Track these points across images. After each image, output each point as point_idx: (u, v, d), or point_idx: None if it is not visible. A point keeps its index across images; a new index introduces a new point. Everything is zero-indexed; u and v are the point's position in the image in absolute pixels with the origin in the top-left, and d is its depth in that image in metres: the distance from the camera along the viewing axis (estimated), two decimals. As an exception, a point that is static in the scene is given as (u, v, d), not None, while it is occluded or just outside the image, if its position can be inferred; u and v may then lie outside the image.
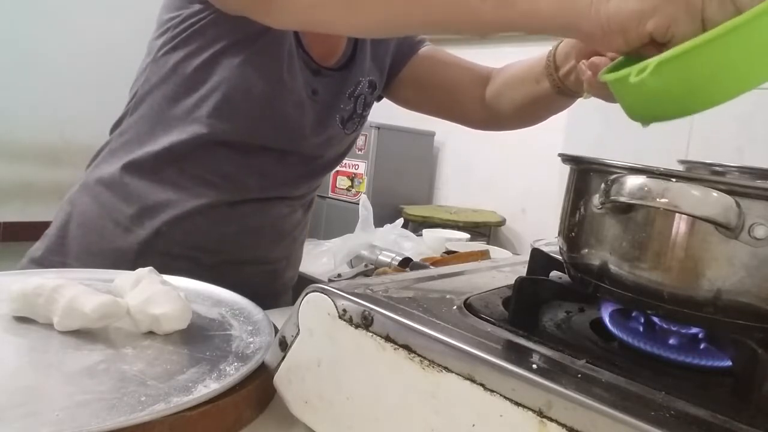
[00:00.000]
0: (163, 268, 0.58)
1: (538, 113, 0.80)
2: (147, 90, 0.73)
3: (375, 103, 0.90)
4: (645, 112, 0.47)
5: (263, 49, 0.69)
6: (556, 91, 0.71)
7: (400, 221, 1.49)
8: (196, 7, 0.68)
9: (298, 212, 0.84)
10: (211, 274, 0.65)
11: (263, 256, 0.82)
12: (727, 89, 0.41)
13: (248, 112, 0.70)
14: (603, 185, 0.37)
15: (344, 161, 3.58)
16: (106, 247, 0.73)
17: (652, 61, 0.41)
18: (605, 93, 0.57)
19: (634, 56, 0.48)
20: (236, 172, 0.74)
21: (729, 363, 0.37)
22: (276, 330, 0.52)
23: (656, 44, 0.44)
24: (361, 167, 3.03)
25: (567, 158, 0.44)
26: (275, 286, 0.87)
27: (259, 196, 0.76)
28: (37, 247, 0.76)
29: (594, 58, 0.56)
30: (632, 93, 0.46)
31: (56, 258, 0.74)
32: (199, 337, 0.51)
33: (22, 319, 0.50)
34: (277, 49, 0.70)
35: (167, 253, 0.73)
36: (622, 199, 0.35)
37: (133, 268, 0.59)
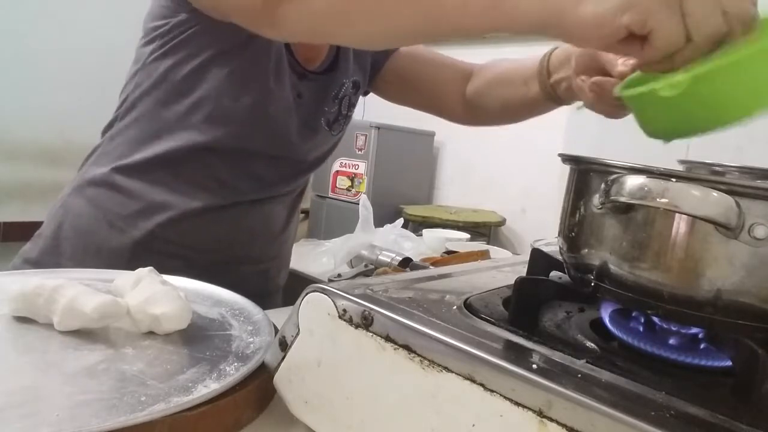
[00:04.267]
0: (157, 268, 0.58)
1: (521, 114, 0.81)
2: (138, 96, 0.73)
3: (362, 97, 0.91)
4: (669, 127, 0.45)
5: (251, 58, 0.70)
6: (544, 96, 0.71)
7: (400, 221, 1.49)
8: (183, 16, 0.69)
9: (287, 209, 0.85)
10: (204, 274, 0.66)
11: (256, 256, 0.82)
12: (758, 103, 0.40)
13: (238, 120, 0.71)
14: (603, 185, 0.37)
15: (344, 161, 3.57)
16: (100, 248, 0.73)
17: (687, 76, 0.40)
18: (609, 110, 0.57)
19: (648, 72, 0.47)
20: (229, 176, 0.75)
21: (729, 363, 0.37)
22: (276, 330, 0.52)
23: (637, 39, 0.44)
24: (361, 167, 3.03)
25: (567, 158, 0.44)
26: (268, 285, 0.87)
27: (251, 198, 0.77)
28: (31, 248, 0.77)
29: (598, 79, 0.56)
30: (656, 109, 0.44)
31: (51, 259, 0.74)
32: (199, 337, 0.51)
33: (22, 319, 0.50)
34: (264, 56, 0.71)
35: (161, 252, 0.73)
36: (622, 199, 0.35)
37: (127, 268, 0.59)
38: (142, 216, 0.72)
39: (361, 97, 0.94)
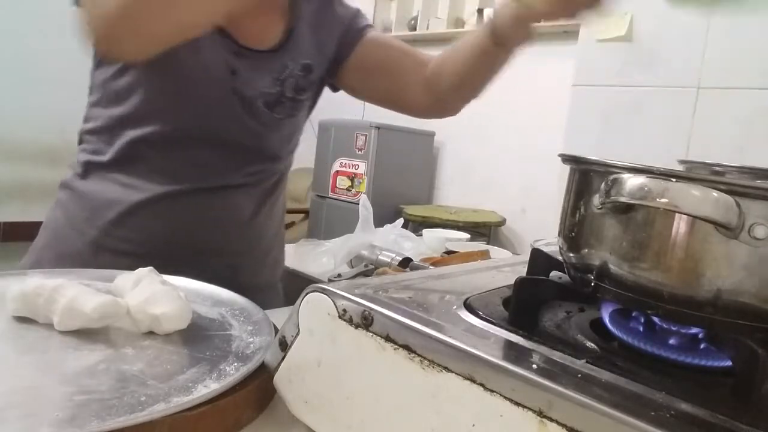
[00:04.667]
0: (116, 266, 0.60)
1: (472, 72, 0.82)
2: (91, 109, 0.79)
3: (333, 92, 0.92)
4: None
5: (163, 55, 0.72)
6: (490, 31, 0.74)
7: (400, 221, 1.49)
8: None
9: (253, 202, 0.83)
10: (166, 269, 0.66)
11: (219, 248, 0.81)
12: None
13: (170, 109, 0.74)
14: (603, 185, 0.37)
15: (344, 161, 3.56)
16: (69, 253, 0.76)
17: None
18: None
19: None
20: (172, 166, 0.76)
21: (729, 363, 0.37)
22: (276, 330, 0.52)
23: None
24: (361, 167, 3.03)
25: (567, 158, 0.44)
26: (244, 281, 0.84)
27: (200, 186, 0.77)
28: (25, 262, 0.80)
29: None
30: None
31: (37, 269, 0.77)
32: (199, 337, 0.51)
33: (22, 319, 0.50)
34: (177, 50, 0.72)
35: (118, 250, 0.75)
36: (622, 199, 0.35)
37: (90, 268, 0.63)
38: (96, 216, 0.76)
39: (339, 94, 0.94)
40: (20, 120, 2.25)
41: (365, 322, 0.39)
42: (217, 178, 0.78)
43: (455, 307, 0.43)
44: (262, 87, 0.78)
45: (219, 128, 0.77)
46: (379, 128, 2.96)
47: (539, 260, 0.51)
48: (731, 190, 0.33)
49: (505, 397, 0.32)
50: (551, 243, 0.91)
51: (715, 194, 0.33)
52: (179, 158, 0.76)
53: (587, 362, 0.34)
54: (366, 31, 0.88)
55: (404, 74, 0.88)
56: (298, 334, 0.43)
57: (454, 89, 0.85)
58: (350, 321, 0.40)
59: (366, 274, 1.17)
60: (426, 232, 1.58)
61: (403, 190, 3.17)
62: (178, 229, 0.77)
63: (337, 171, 3.15)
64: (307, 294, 0.43)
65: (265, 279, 0.90)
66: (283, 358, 0.44)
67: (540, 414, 0.30)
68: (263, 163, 0.83)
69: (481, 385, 0.33)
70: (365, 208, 1.32)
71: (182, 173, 0.76)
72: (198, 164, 0.77)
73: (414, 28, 3.36)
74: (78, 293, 0.49)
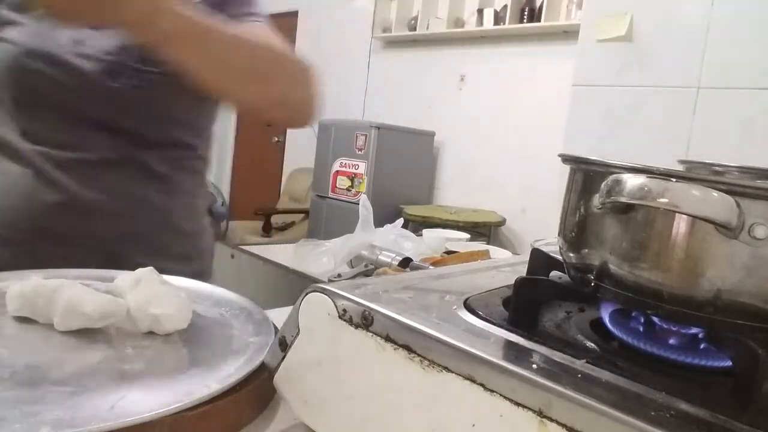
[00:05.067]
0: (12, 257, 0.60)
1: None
2: None
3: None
4: None
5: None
6: None
7: (400, 221, 1.49)
8: None
9: (131, 186, 0.80)
10: (34, 256, 0.66)
11: (86, 233, 0.77)
12: None
13: (18, 91, 0.75)
14: (603, 185, 0.37)
15: (344, 161, 3.53)
16: None
17: None
18: None
19: None
20: (29, 143, 0.75)
21: (729, 363, 0.37)
22: (276, 330, 0.52)
23: None
24: (361, 167, 3.04)
25: (567, 158, 0.44)
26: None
27: (58, 161, 0.75)
28: None
29: None
30: None
31: None
32: (199, 337, 0.51)
33: (22, 319, 0.50)
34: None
35: (6, 240, 0.75)
36: (622, 199, 0.35)
37: None
38: None
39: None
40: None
41: (365, 322, 0.39)
42: (74, 154, 0.76)
43: (455, 307, 0.43)
44: (103, 54, 0.76)
45: (66, 100, 0.75)
46: (379, 128, 2.97)
47: (539, 260, 0.51)
48: (731, 190, 0.33)
49: (505, 397, 0.32)
50: (551, 243, 0.91)
51: (715, 194, 0.33)
52: (45, 132, 0.75)
53: (587, 362, 0.34)
54: (243, 21, 0.79)
55: None
56: (298, 334, 0.43)
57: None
58: (350, 321, 0.40)
59: (366, 274, 1.17)
60: (426, 232, 1.58)
61: (403, 190, 3.17)
62: (42, 210, 0.75)
63: (337, 171, 3.16)
64: (307, 294, 0.43)
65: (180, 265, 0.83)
66: (283, 358, 0.44)
67: (540, 414, 0.30)
68: (124, 140, 0.79)
69: (481, 385, 0.33)
70: (365, 208, 1.32)
71: (34, 152, 0.75)
72: (50, 141, 0.75)
73: (414, 28, 3.36)
74: (78, 293, 0.49)
